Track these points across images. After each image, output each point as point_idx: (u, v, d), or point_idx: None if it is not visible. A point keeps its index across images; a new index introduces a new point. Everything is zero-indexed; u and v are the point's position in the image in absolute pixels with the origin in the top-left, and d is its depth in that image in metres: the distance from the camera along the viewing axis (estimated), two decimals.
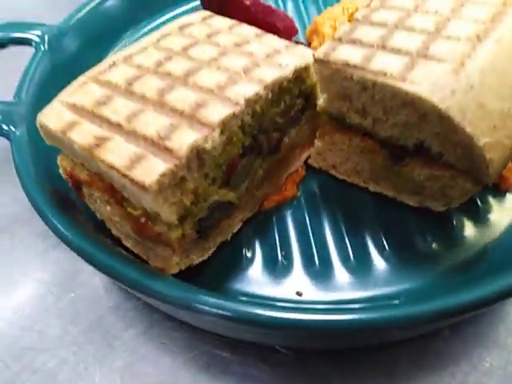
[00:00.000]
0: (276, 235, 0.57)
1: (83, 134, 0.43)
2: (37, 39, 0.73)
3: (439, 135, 0.48)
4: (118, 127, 0.44)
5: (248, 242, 0.56)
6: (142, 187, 0.39)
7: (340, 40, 0.53)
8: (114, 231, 0.54)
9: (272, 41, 0.57)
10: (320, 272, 0.53)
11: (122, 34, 0.85)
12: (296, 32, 0.63)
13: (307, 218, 0.58)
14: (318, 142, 0.60)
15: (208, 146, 0.43)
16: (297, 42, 0.64)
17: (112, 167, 0.40)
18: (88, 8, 0.80)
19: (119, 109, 0.45)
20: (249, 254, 0.55)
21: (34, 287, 0.60)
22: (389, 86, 0.46)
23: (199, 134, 0.42)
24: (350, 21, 0.82)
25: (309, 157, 0.63)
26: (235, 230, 0.56)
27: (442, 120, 0.45)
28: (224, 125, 0.45)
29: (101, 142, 0.42)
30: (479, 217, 0.57)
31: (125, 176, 0.40)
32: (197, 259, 0.51)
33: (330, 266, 0.53)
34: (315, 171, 0.63)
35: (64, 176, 0.54)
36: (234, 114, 0.45)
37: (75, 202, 0.57)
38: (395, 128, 0.51)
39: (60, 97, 0.49)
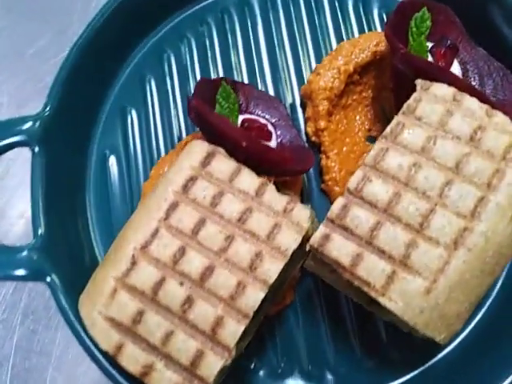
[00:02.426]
0: (278, 341, 0.73)
1: (132, 361, 0.55)
2: (27, 139, 0.71)
3: None
4: (156, 350, 0.55)
5: (254, 350, 0.72)
6: None
7: (333, 223, 0.58)
8: None
9: (271, 201, 0.61)
10: (312, 377, 0.71)
11: (100, 108, 0.83)
12: (290, 163, 0.65)
13: (301, 322, 0.73)
14: (309, 260, 0.70)
15: (228, 363, 0.56)
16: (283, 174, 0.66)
17: None
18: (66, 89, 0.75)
19: (152, 329, 0.56)
20: (254, 363, 0.72)
21: None
22: (371, 295, 0.56)
23: (221, 358, 0.55)
24: (345, 87, 0.79)
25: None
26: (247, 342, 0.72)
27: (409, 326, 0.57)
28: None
29: (148, 370, 0.55)
30: None
31: None
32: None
33: (320, 371, 0.71)
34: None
35: None
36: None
37: None
38: None
39: (97, 305, 0.58)
